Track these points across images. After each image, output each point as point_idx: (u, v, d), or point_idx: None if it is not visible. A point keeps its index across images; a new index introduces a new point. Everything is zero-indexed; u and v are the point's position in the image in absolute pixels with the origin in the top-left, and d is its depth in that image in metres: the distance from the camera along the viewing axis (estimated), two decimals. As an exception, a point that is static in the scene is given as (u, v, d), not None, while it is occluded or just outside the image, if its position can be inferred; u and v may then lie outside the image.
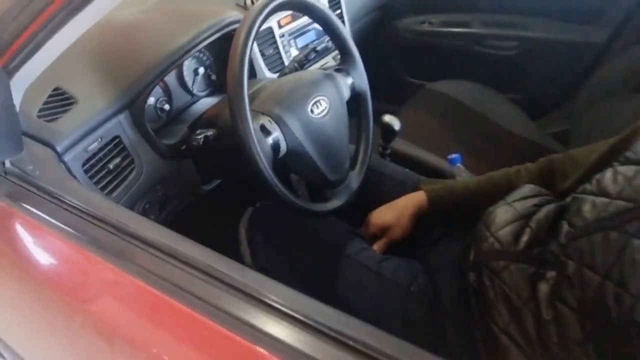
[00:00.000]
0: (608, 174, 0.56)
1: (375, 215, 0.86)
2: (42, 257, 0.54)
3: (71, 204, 0.52)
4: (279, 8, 0.70)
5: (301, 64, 0.92)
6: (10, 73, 0.55)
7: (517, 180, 0.76)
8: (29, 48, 0.51)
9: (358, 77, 0.86)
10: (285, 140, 0.70)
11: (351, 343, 0.37)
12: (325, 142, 0.75)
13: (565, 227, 0.57)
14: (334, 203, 0.78)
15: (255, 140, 0.63)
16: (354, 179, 0.83)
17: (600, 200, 0.53)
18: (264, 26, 0.98)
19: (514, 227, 0.64)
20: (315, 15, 0.78)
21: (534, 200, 0.67)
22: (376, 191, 0.91)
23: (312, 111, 0.74)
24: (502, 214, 0.67)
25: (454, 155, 1.13)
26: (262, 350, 0.37)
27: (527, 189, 0.70)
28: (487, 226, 0.67)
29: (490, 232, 0.66)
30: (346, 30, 0.82)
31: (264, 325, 0.38)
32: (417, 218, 0.83)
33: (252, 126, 0.63)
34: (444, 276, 0.74)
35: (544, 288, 0.55)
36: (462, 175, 1.08)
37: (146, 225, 0.49)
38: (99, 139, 0.70)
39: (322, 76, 0.79)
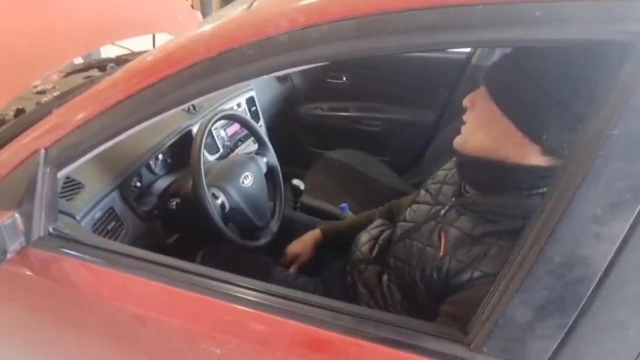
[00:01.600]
0: (408, 210, 0.99)
1: (289, 248, 1.22)
2: (90, 282, 0.82)
3: (102, 247, 0.84)
4: (218, 120, 1.13)
5: (232, 149, 1.35)
6: (59, 168, 0.82)
7: (374, 217, 1.19)
8: (76, 159, 0.86)
9: (270, 157, 1.30)
10: (228, 202, 1.10)
11: (290, 296, 0.66)
12: (253, 201, 1.16)
13: (392, 241, 0.99)
14: (262, 241, 1.17)
15: (210, 203, 1.02)
16: (274, 224, 1.24)
17: (404, 224, 0.96)
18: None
19: (369, 245, 1.05)
20: (242, 123, 1.22)
21: (381, 228, 1.09)
22: (289, 233, 1.28)
23: (243, 182, 1.15)
24: (363, 237, 1.08)
25: (343, 205, 1.58)
26: (237, 306, 0.68)
27: (378, 221, 1.13)
28: (355, 245, 1.07)
29: (357, 248, 1.06)
30: (261, 129, 1.27)
31: (237, 293, 0.69)
32: (316, 247, 1.21)
33: (208, 195, 1.02)
34: (334, 283, 1.11)
35: (385, 277, 0.94)
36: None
37: (152, 254, 0.82)
38: (101, 210, 1.04)
39: (247, 159, 1.22)
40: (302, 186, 1.45)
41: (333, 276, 1.14)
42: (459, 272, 0.73)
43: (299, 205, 1.52)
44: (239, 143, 1.37)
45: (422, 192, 1.00)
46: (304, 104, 2.16)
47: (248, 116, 1.30)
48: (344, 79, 2.03)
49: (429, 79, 1.90)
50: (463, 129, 0.79)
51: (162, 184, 1.28)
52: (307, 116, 2.15)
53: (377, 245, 1.04)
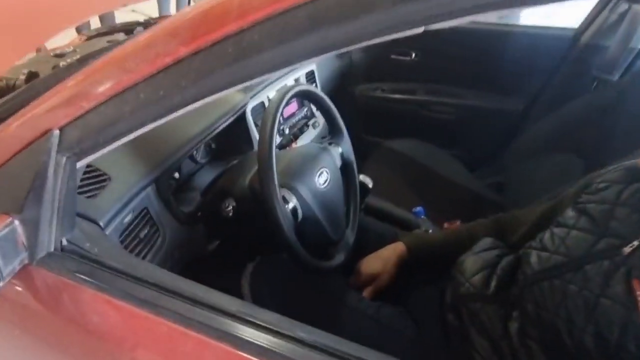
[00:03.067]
0: (547, 234, 0.73)
1: (364, 265, 0.96)
2: (117, 326, 0.58)
3: (138, 276, 0.58)
4: (291, 98, 0.84)
5: (296, 135, 1.06)
6: (79, 157, 0.59)
7: (477, 234, 0.92)
8: (105, 145, 0.59)
9: (346, 148, 1.01)
10: (301, 208, 0.82)
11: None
12: (329, 207, 0.89)
13: (520, 275, 0.73)
14: (337, 259, 0.89)
15: (282, 211, 0.74)
16: (350, 236, 0.96)
17: (543, 254, 0.70)
18: (257, 102, 1.12)
19: (484, 274, 0.78)
20: (318, 102, 0.93)
21: (496, 252, 0.83)
22: (361, 244, 1.02)
23: (318, 182, 0.87)
24: (472, 262, 0.82)
25: (417, 209, 1.29)
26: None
27: (488, 241, 0.86)
28: (461, 273, 0.82)
29: (465, 278, 0.80)
30: (336, 111, 0.98)
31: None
32: (400, 266, 0.95)
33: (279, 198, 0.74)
34: (425, 317, 0.86)
35: (513, 326, 0.70)
36: (426, 225, 1.25)
37: (213, 293, 0.57)
38: (132, 211, 0.78)
39: (320, 150, 0.93)
40: (370, 184, 1.16)
41: (425, 310, 0.88)
42: None
43: (363, 206, 1.24)
44: (305, 128, 1.08)
45: (572, 212, 0.72)
46: (361, 84, 1.85)
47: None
48: (413, 55, 1.71)
49: (520, 60, 1.58)
50: None
51: (205, 175, 1.00)
52: (364, 98, 1.84)
53: (495, 277, 0.77)
